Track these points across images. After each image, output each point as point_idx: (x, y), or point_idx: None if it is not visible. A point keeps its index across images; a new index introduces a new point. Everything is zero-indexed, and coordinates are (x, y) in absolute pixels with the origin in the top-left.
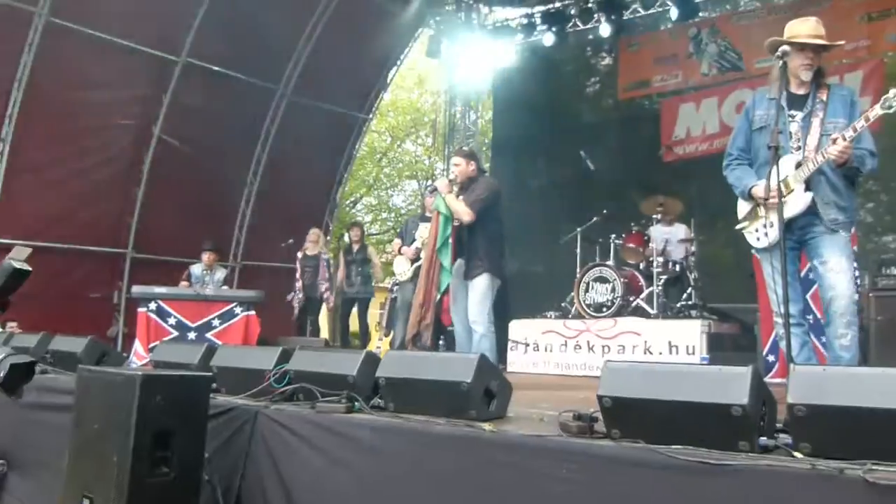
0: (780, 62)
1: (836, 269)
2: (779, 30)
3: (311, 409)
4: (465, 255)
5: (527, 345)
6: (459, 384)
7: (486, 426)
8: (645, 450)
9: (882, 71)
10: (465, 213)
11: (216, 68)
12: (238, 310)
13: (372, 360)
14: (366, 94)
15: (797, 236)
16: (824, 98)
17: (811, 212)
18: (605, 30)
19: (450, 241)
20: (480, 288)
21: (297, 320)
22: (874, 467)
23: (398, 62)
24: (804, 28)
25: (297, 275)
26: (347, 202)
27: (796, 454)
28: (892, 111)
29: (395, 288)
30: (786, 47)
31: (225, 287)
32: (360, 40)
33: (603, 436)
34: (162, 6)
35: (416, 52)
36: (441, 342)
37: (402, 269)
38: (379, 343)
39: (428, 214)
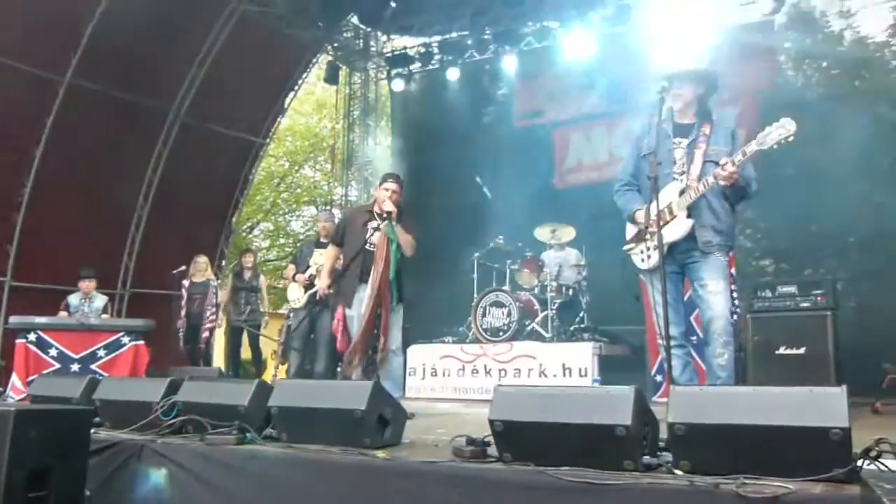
0: (660, 96)
1: (714, 290)
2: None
3: (200, 441)
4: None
5: (425, 370)
6: (353, 412)
7: (380, 454)
8: (534, 472)
9: (756, 106)
10: (411, 247)
11: (103, 89)
12: (126, 339)
13: (264, 390)
14: (263, 119)
15: (679, 260)
16: (707, 131)
17: (692, 237)
18: (501, 60)
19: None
20: (401, 316)
21: (184, 351)
22: (746, 481)
23: (296, 87)
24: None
25: (183, 302)
26: (244, 228)
27: (677, 471)
28: (765, 148)
29: (291, 315)
30: (664, 82)
31: (105, 316)
32: (257, 64)
33: (495, 460)
34: (47, 24)
35: (315, 76)
36: (339, 369)
37: (296, 296)
38: (275, 371)
39: (323, 240)
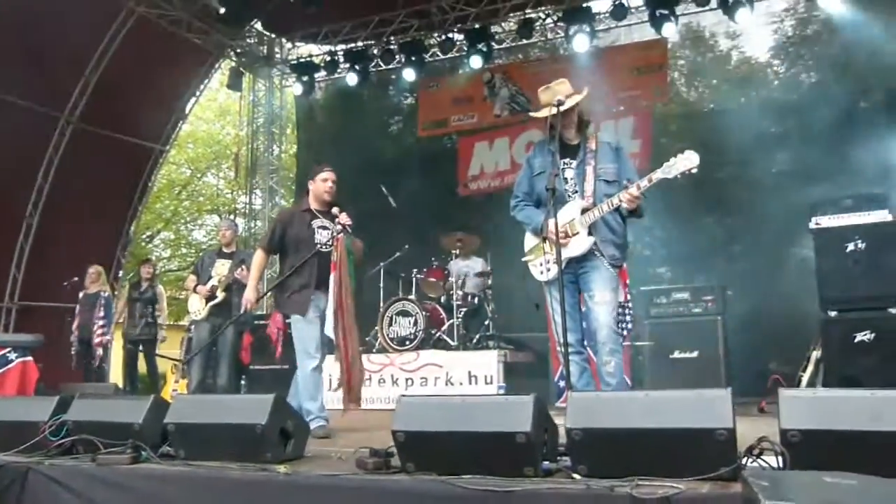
0: (548, 118)
1: (601, 301)
2: (561, 76)
3: (91, 462)
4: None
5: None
6: (254, 427)
7: (281, 468)
8: (437, 482)
9: (650, 118)
10: (361, 252)
11: None
12: (13, 356)
13: (160, 406)
14: (163, 125)
15: (574, 270)
16: (593, 147)
17: (590, 251)
18: (406, 71)
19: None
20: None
21: (76, 365)
22: (640, 483)
23: (197, 93)
24: (545, 97)
25: (76, 313)
26: (143, 237)
27: (575, 476)
28: (669, 177)
29: (192, 328)
30: (553, 103)
31: None
32: (156, 68)
33: (398, 470)
34: None
35: (218, 82)
36: (243, 382)
37: (197, 307)
38: (175, 386)
39: (225, 250)
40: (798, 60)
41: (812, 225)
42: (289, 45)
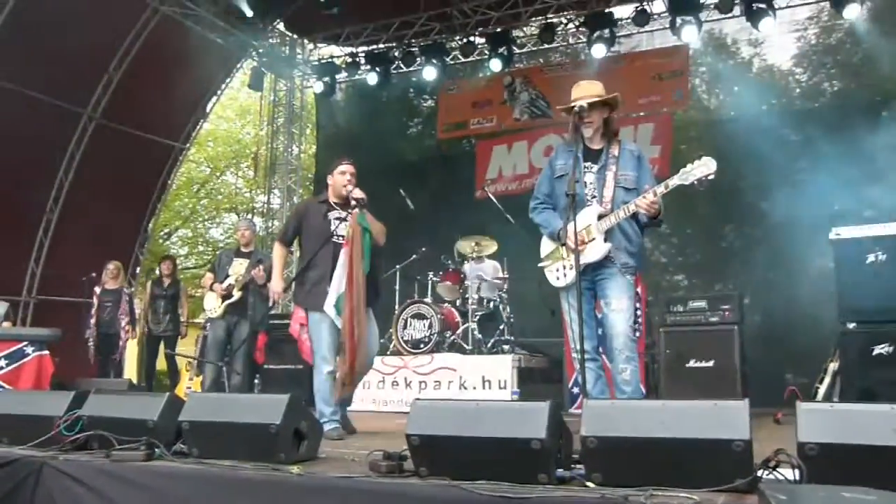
0: (572, 121)
1: (617, 308)
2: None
3: (105, 458)
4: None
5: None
6: (268, 426)
7: (294, 469)
8: (449, 486)
9: (670, 124)
10: (383, 234)
11: (12, 86)
12: (29, 349)
13: (175, 404)
14: (183, 123)
15: (591, 277)
16: (616, 153)
17: (605, 258)
18: (427, 73)
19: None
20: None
21: (95, 361)
22: (655, 493)
23: (219, 92)
24: (578, 92)
25: (93, 311)
26: (161, 234)
27: (589, 484)
28: (686, 183)
29: (207, 325)
30: (577, 108)
31: (7, 324)
32: (178, 67)
33: (411, 474)
34: None
35: (239, 82)
36: (256, 381)
37: (213, 305)
38: (189, 384)
39: (243, 249)
40: (820, 69)
41: (832, 235)
42: (310, 45)
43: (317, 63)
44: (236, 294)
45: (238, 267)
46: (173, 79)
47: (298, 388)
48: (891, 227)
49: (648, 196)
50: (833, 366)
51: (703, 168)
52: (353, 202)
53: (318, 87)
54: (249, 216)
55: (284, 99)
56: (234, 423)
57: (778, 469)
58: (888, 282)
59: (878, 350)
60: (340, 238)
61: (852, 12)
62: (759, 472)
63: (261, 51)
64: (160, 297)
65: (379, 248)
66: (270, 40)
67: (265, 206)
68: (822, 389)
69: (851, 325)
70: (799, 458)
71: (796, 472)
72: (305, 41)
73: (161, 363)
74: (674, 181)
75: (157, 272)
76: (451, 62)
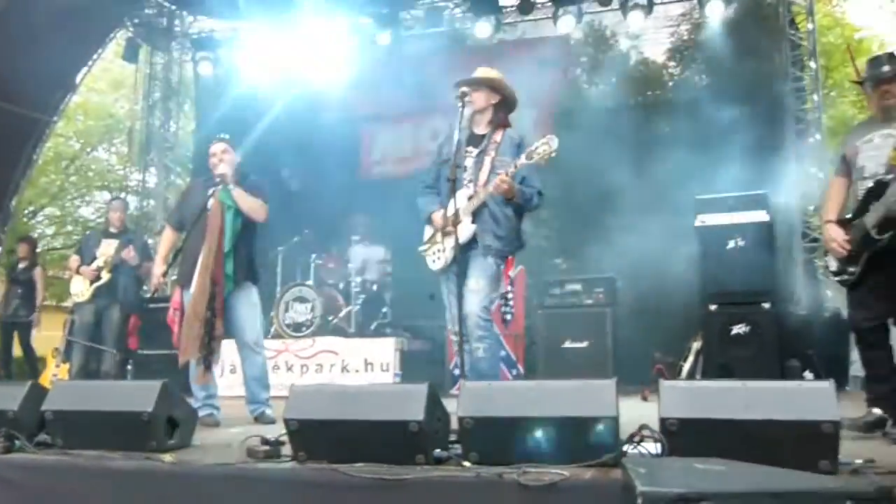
0: (459, 103)
1: (474, 289)
2: (470, 70)
3: None
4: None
5: (223, 367)
6: (140, 414)
7: (167, 457)
8: (328, 470)
9: (550, 111)
10: (259, 210)
11: None
12: None
13: (38, 393)
14: (51, 94)
15: (464, 260)
16: (498, 139)
17: (474, 240)
18: None
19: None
20: (257, 302)
21: None
22: (528, 470)
23: (89, 63)
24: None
25: None
26: (26, 212)
27: (465, 463)
28: (531, 162)
29: (75, 310)
30: (464, 89)
31: None
32: (44, 34)
33: (290, 459)
34: None
35: (113, 52)
36: (129, 368)
37: (80, 289)
38: (56, 371)
39: (112, 229)
40: (692, 63)
41: (697, 222)
42: (190, 17)
43: (197, 36)
44: (105, 276)
45: (107, 248)
46: (39, 47)
47: (175, 374)
48: (750, 215)
49: (501, 177)
50: (696, 345)
51: (545, 147)
52: (217, 178)
53: (199, 62)
54: (123, 195)
55: (161, 73)
56: (102, 412)
57: (642, 444)
58: (746, 266)
59: (735, 330)
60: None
61: (715, 10)
62: (625, 447)
63: (136, 21)
64: (14, 282)
65: (254, 225)
66: (146, 10)
67: (140, 184)
68: (686, 367)
69: (713, 307)
70: (661, 432)
71: (658, 445)
72: (185, 13)
73: (17, 351)
74: (521, 161)
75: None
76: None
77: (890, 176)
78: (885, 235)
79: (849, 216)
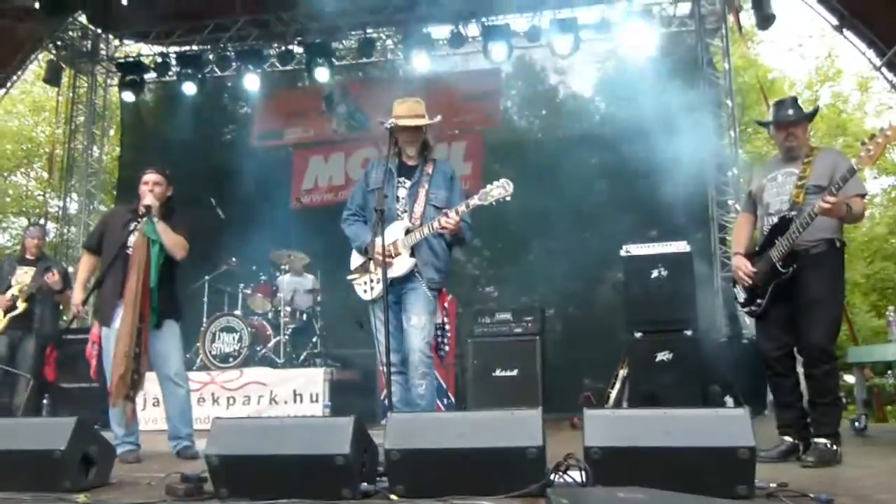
0: (389, 132)
1: (416, 325)
2: (399, 98)
3: None
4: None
5: (146, 400)
6: (51, 452)
7: (81, 497)
8: None
9: (482, 143)
10: (180, 247)
11: None
12: None
13: None
14: None
15: (397, 291)
16: (430, 171)
17: (412, 273)
18: (243, 79)
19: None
20: (179, 335)
21: None
22: (455, 502)
23: (8, 84)
24: (401, 109)
25: None
26: None
27: (392, 497)
28: (485, 203)
29: None
30: (394, 122)
31: None
32: None
33: (211, 496)
34: None
35: (34, 75)
36: (45, 402)
37: None
38: None
39: (28, 257)
40: (615, 99)
41: (623, 252)
42: (116, 41)
43: (122, 61)
44: (21, 306)
45: (23, 276)
46: None
47: (94, 408)
48: (672, 245)
49: (450, 215)
50: (623, 372)
51: (500, 190)
52: (142, 210)
53: (124, 87)
54: (42, 221)
55: (84, 97)
56: (11, 451)
57: (568, 472)
58: (669, 295)
59: (660, 357)
60: (132, 249)
61: (639, 50)
62: (552, 477)
63: (58, 43)
64: None
65: (173, 264)
66: (70, 32)
67: (60, 210)
68: (613, 394)
69: (638, 335)
70: (585, 461)
71: (583, 474)
72: (110, 37)
73: None
74: (473, 201)
75: None
76: (269, 69)
77: (793, 212)
78: (789, 269)
79: (756, 249)
